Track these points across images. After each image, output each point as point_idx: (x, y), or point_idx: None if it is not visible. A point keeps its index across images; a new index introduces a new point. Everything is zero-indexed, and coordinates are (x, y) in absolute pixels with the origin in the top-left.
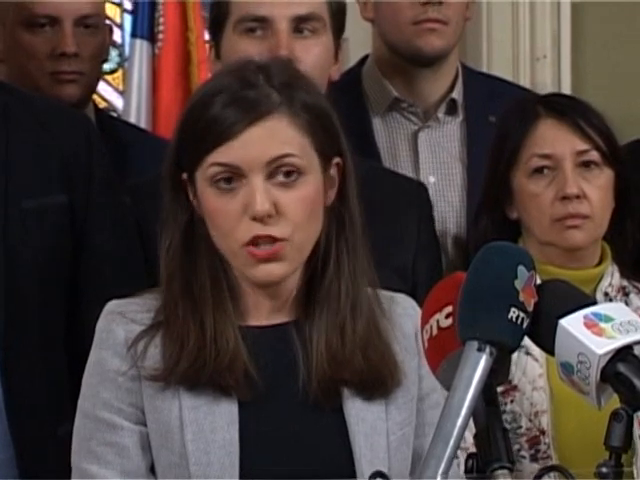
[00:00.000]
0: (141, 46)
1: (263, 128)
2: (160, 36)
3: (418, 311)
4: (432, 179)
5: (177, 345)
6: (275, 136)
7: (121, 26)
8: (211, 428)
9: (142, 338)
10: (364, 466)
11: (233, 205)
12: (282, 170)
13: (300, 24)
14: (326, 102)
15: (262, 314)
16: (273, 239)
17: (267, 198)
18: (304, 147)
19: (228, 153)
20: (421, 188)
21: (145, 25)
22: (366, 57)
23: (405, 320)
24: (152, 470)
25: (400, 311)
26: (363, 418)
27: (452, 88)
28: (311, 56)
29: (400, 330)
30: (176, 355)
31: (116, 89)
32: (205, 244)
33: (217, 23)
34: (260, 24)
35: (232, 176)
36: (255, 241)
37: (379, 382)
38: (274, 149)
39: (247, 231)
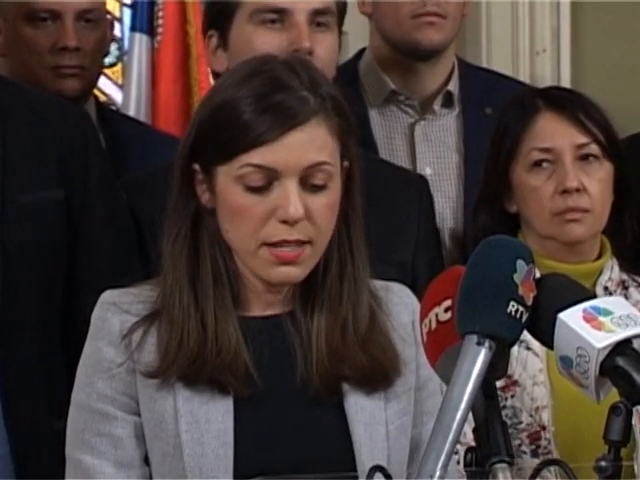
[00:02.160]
0: (140, 40)
1: (303, 133)
2: (159, 30)
3: (414, 300)
4: (429, 171)
5: (176, 340)
6: (314, 142)
7: (120, 20)
8: (206, 418)
9: (137, 328)
10: (364, 455)
11: (262, 205)
12: (315, 176)
13: (316, 17)
14: (344, 99)
15: (262, 305)
16: (300, 242)
17: (301, 203)
18: (335, 153)
19: (266, 155)
20: (421, 181)
21: (144, 19)
22: (363, 50)
23: (401, 309)
24: (146, 460)
25: (396, 300)
26: (362, 407)
27: (448, 81)
28: (325, 49)
29: (396, 319)
30: (174, 351)
31: (115, 83)
32: (208, 237)
33: (224, 14)
34: (278, 16)
35: (262, 177)
36: (280, 244)
37: (382, 376)
38: (313, 155)
39: (274, 233)
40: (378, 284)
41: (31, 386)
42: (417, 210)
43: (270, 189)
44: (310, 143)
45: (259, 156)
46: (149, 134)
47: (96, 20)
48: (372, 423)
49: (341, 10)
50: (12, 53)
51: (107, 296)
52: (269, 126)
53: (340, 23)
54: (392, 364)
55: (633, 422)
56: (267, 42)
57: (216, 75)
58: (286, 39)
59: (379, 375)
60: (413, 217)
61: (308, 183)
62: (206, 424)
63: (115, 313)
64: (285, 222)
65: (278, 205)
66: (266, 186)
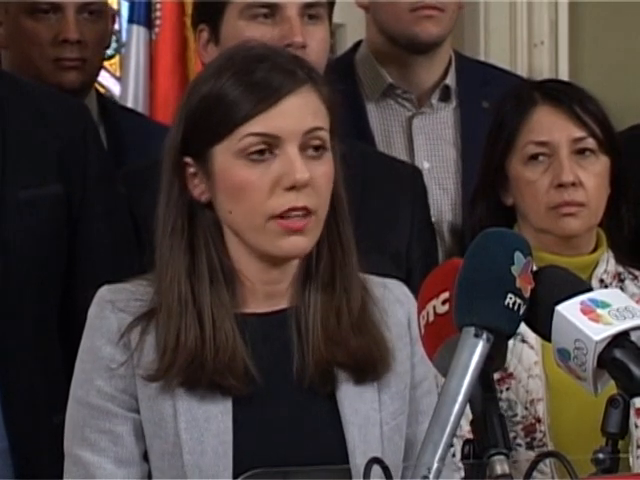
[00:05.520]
0: (138, 32)
1: (298, 98)
2: (157, 22)
3: (410, 298)
4: (427, 165)
5: (174, 335)
6: (309, 107)
7: (118, 12)
8: (205, 417)
9: (135, 327)
10: (357, 458)
11: (267, 176)
12: (312, 143)
13: (307, 10)
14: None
15: (258, 301)
16: (306, 210)
17: (305, 167)
18: (327, 123)
19: (265, 122)
20: (416, 172)
21: (142, 11)
22: (359, 43)
23: (397, 307)
24: (145, 457)
25: (392, 298)
26: (357, 409)
27: (445, 75)
28: (316, 42)
29: (392, 317)
30: (172, 349)
31: (113, 75)
32: (203, 232)
33: (215, 9)
34: (270, 10)
35: (265, 148)
36: (288, 213)
37: (370, 364)
38: (310, 120)
39: (281, 203)
40: (375, 280)
41: (30, 381)
42: (411, 201)
43: (272, 159)
44: (306, 107)
45: (259, 124)
46: (150, 126)
47: (98, 12)
48: (366, 425)
49: (331, 0)
50: (14, 45)
51: (104, 293)
52: (262, 97)
53: (330, 13)
54: (380, 354)
55: (631, 413)
56: (259, 37)
57: None
58: (278, 34)
59: (368, 362)
60: (407, 208)
61: (307, 150)
62: (205, 422)
63: (112, 311)
64: (292, 188)
65: (283, 173)
66: (269, 156)
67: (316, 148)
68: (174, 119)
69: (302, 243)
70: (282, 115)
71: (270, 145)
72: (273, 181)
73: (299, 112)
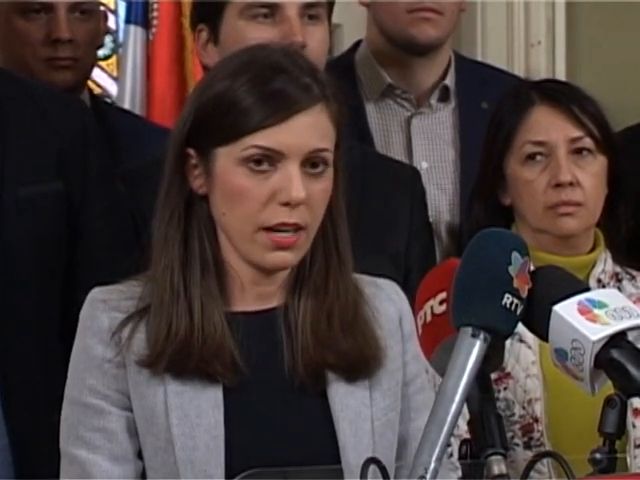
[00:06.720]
0: (135, 32)
1: (309, 117)
2: (154, 22)
3: (402, 296)
4: (425, 165)
5: (165, 325)
6: (318, 127)
7: (115, 12)
8: (196, 412)
9: (126, 324)
10: (349, 452)
11: (263, 188)
12: (314, 162)
13: (307, 10)
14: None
15: (248, 300)
16: (297, 227)
17: (302, 186)
18: (333, 141)
19: (271, 137)
20: (414, 174)
21: (139, 11)
22: (358, 43)
23: (388, 305)
24: (139, 455)
25: (383, 296)
26: (347, 404)
27: (445, 75)
28: (317, 42)
29: (383, 315)
30: (163, 338)
31: (110, 75)
32: (197, 224)
33: (214, 9)
34: (269, 10)
35: (265, 160)
36: (278, 227)
37: (362, 363)
38: (316, 141)
39: (273, 216)
40: (366, 279)
41: (30, 379)
42: (410, 201)
43: (273, 172)
44: (314, 128)
45: (265, 138)
46: (143, 126)
47: (90, 11)
48: (357, 420)
49: (330, 0)
50: (6, 45)
51: (96, 293)
52: (274, 110)
53: (330, 13)
54: (372, 353)
55: (628, 413)
56: (259, 37)
57: (207, 69)
58: (278, 34)
59: (360, 362)
60: (406, 208)
61: (307, 168)
62: (197, 418)
63: (104, 310)
64: (286, 204)
65: (280, 187)
66: (269, 168)
67: (315, 166)
68: (184, 109)
69: (289, 257)
70: (290, 132)
71: (273, 159)
72: (269, 194)
73: (307, 132)
